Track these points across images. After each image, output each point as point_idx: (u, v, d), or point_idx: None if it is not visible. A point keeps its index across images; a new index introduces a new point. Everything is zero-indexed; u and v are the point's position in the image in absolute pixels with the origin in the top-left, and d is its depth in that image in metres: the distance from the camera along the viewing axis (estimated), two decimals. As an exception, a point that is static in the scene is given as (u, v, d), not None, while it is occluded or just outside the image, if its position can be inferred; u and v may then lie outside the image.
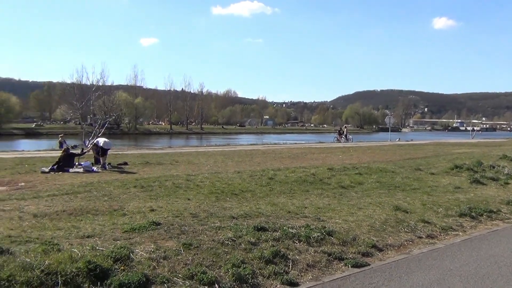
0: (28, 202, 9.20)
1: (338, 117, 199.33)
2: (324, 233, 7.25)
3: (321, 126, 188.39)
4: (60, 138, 28.04)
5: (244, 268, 5.57)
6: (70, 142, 28.04)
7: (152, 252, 5.77)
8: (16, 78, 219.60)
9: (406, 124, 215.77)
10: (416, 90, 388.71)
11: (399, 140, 50.97)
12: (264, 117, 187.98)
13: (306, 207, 9.53)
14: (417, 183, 13.68)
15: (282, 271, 5.77)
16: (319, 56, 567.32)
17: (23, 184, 11.88)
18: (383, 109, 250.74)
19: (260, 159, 21.11)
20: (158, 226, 7.08)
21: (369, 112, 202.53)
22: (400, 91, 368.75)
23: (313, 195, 11.27)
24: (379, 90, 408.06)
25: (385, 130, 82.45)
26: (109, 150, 17.29)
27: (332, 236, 7.26)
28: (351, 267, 6.25)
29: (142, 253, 5.71)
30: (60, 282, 4.68)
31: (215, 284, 5.16)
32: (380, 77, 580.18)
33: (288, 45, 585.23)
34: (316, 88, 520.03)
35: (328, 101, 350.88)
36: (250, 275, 5.47)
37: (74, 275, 4.82)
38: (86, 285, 4.76)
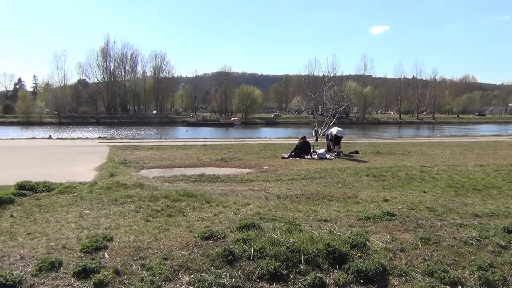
0: (272, 184, 10.26)
1: None
2: None
3: None
4: (314, 127, 30.73)
5: (493, 273, 4.99)
6: (303, 132, 30.09)
7: (388, 242, 5.68)
8: (259, 72, 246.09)
9: None
10: None
11: None
12: (510, 104, 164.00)
13: None
14: None
15: (543, 284, 4.94)
16: None
17: (267, 167, 13.32)
18: None
19: (506, 151, 18.73)
20: (393, 217, 6.93)
21: None
22: None
23: None
24: None
25: None
26: (341, 139, 17.85)
27: None
28: None
29: (378, 242, 5.69)
30: (302, 260, 5.06)
31: (458, 286, 4.77)
32: None
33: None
34: None
35: None
36: (501, 282, 4.86)
37: (314, 256, 5.14)
38: (326, 266, 5.01)
